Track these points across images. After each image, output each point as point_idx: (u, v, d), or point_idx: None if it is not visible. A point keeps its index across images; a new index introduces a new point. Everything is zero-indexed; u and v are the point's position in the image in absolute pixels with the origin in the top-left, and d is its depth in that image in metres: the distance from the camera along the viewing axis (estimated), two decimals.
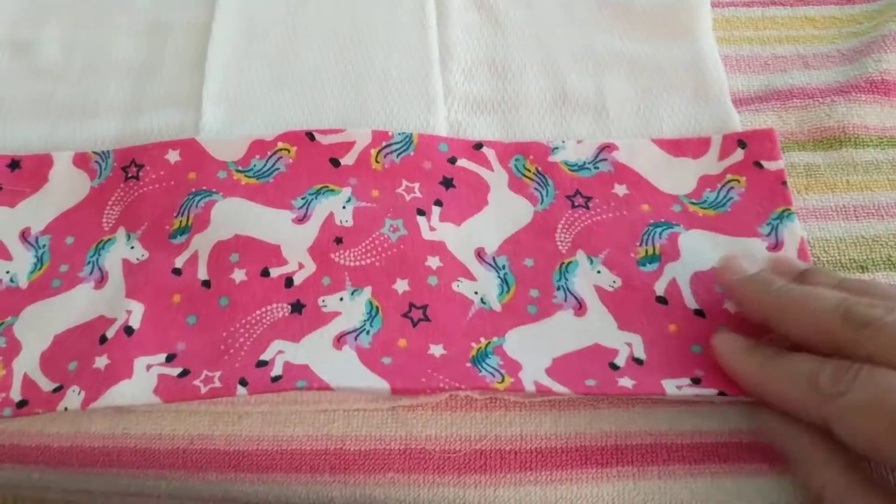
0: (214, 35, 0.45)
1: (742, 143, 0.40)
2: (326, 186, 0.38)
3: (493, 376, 0.33)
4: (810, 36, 0.45)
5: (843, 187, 0.40)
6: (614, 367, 0.34)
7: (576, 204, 0.39)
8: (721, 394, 0.33)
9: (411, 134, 0.40)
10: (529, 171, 0.40)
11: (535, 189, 0.39)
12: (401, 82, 0.43)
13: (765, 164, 0.39)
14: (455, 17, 0.46)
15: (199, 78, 0.44)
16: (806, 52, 0.45)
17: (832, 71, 0.43)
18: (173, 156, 0.39)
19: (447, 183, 0.39)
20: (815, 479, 0.30)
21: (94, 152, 0.40)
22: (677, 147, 0.40)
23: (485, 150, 0.40)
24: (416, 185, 0.39)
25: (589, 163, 0.40)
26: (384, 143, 0.39)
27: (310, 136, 0.39)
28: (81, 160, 0.40)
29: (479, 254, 0.37)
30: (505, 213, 0.39)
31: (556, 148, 0.40)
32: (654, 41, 0.45)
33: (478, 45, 0.45)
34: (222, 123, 0.42)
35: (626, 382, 0.33)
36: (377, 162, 0.39)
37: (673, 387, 0.33)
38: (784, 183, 0.39)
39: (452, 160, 0.39)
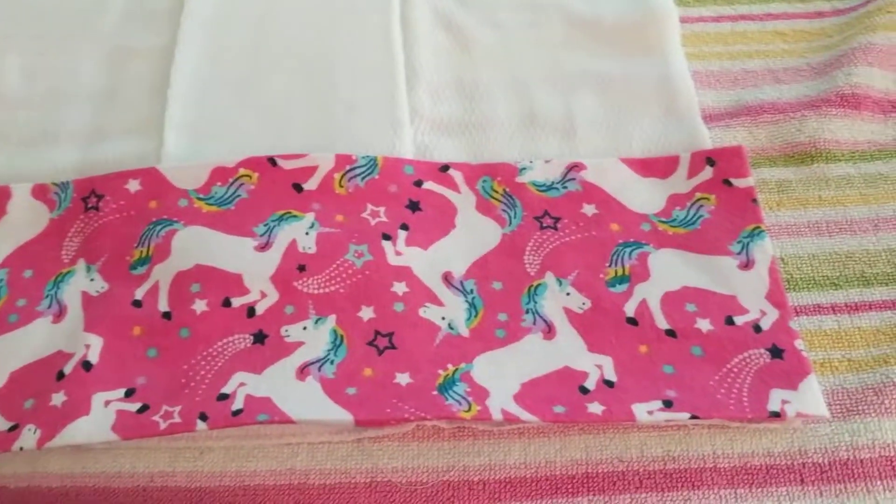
0: (177, 60, 0.44)
1: (711, 161, 0.39)
2: (289, 212, 0.38)
3: (460, 404, 0.33)
4: (780, 50, 0.45)
5: (815, 202, 0.39)
6: (584, 390, 0.33)
7: (544, 225, 0.38)
8: (693, 417, 0.32)
9: (376, 157, 0.39)
10: (497, 192, 0.39)
11: (503, 210, 0.39)
12: (367, 105, 0.43)
13: (734, 181, 0.39)
14: (422, 39, 0.45)
15: (161, 104, 0.43)
16: (776, 66, 0.44)
17: (803, 85, 0.43)
18: (134, 185, 0.38)
19: (413, 206, 0.38)
20: None
21: (54, 183, 0.39)
22: (646, 166, 0.40)
23: (451, 171, 0.40)
24: (382, 210, 0.38)
25: (557, 182, 0.39)
26: (348, 167, 0.39)
27: (272, 161, 0.39)
28: (41, 191, 0.39)
29: (447, 277, 0.37)
30: (473, 235, 0.38)
31: (524, 168, 0.40)
32: (622, 58, 0.45)
33: (445, 67, 0.45)
34: (185, 151, 0.41)
35: (595, 408, 0.33)
36: (341, 186, 0.38)
37: (644, 412, 0.33)
38: (754, 200, 0.38)
39: (419, 183, 0.39)
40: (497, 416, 0.32)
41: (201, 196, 0.38)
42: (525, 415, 0.32)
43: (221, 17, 0.47)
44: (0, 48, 0.46)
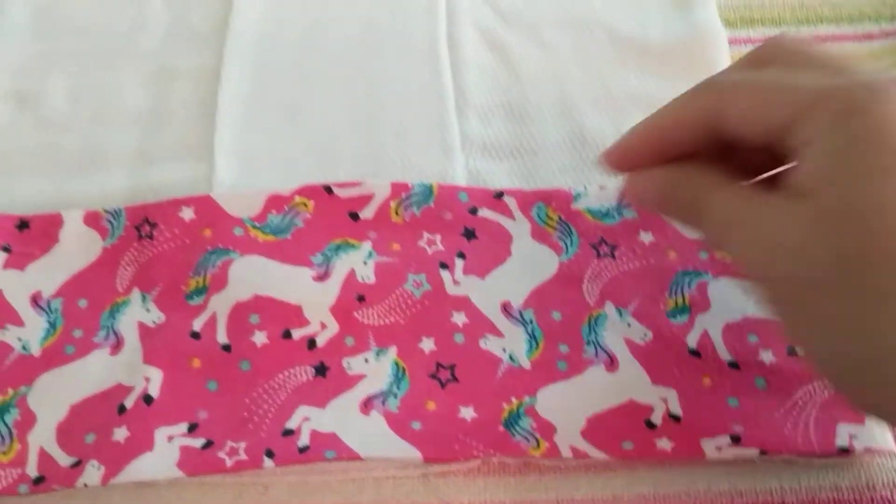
0: (224, 83, 0.44)
1: None
2: (346, 241, 0.37)
3: (528, 441, 0.32)
4: None
5: None
6: (651, 425, 0.33)
7: (601, 253, 0.38)
8: (763, 453, 0.32)
9: (431, 184, 0.39)
10: (552, 219, 0.39)
11: (559, 238, 0.38)
12: (416, 129, 0.42)
13: None
14: (469, 60, 0.45)
15: (209, 127, 0.43)
16: None
17: None
18: (188, 213, 0.38)
19: (469, 234, 0.38)
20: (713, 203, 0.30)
21: (105, 210, 0.39)
22: None
23: (506, 198, 0.39)
24: (438, 238, 0.38)
25: (612, 209, 0.39)
26: (403, 195, 0.38)
27: (327, 189, 0.38)
28: (92, 219, 0.39)
29: (506, 307, 0.36)
30: (529, 263, 0.38)
31: (579, 194, 0.39)
32: (671, 80, 0.44)
33: (493, 89, 0.44)
34: (236, 176, 0.41)
35: (664, 444, 0.33)
36: (397, 215, 0.38)
37: (712, 448, 0.32)
38: None
39: (473, 210, 0.39)
40: (566, 453, 0.32)
41: (257, 224, 0.38)
42: (594, 451, 0.32)
43: (266, 38, 0.46)
44: (44, 70, 0.46)
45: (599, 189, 0.40)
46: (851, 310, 0.26)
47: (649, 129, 0.32)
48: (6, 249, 0.38)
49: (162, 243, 0.38)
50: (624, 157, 0.33)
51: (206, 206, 0.38)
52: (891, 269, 0.25)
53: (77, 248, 0.38)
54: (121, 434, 0.33)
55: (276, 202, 0.38)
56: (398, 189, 0.39)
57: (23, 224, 0.39)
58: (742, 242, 0.29)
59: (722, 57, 0.45)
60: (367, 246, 0.37)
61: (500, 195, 0.39)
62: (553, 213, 0.39)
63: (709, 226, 0.30)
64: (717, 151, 0.31)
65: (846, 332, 0.26)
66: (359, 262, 0.37)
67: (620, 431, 0.33)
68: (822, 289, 0.26)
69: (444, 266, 0.37)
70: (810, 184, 0.27)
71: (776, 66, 0.30)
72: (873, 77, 0.27)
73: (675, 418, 0.33)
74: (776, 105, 0.28)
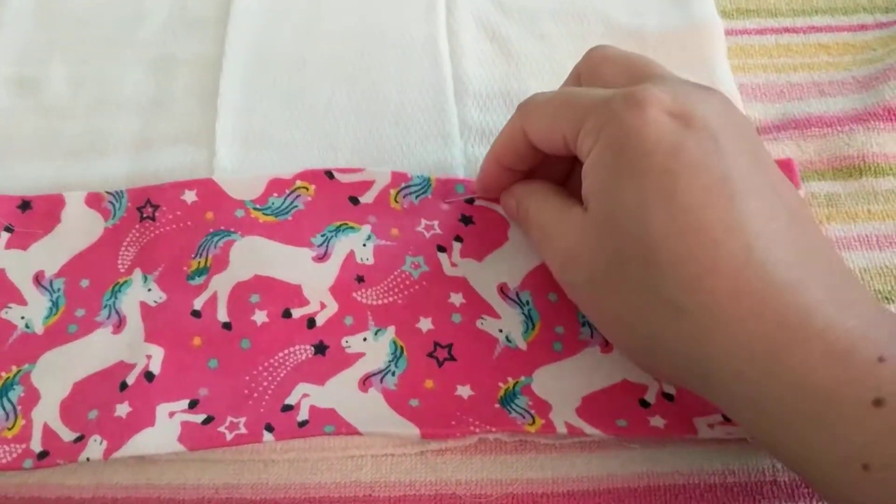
0: (225, 70, 0.44)
1: None
2: (346, 223, 0.38)
3: (524, 418, 0.33)
4: (825, 63, 0.45)
5: (864, 216, 0.39)
6: (645, 404, 0.34)
7: None
8: None
9: (429, 177, 0.39)
10: None
11: None
12: (416, 116, 0.43)
13: None
14: (468, 50, 0.46)
15: (210, 114, 0.43)
16: (821, 79, 0.44)
17: (848, 98, 0.43)
18: (190, 196, 0.38)
19: (466, 220, 0.38)
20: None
21: (108, 192, 0.39)
22: None
23: None
24: (436, 223, 0.38)
25: None
26: (403, 185, 0.39)
27: (329, 174, 0.39)
28: (94, 200, 0.39)
29: (502, 289, 0.37)
30: (526, 247, 0.38)
31: None
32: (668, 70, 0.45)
33: (492, 78, 0.45)
34: (236, 161, 0.41)
35: (657, 422, 0.33)
36: (396, 202, 0.39)
37: (704, 426, 0.33)
38: None
39: (470, 200, 0.39)
40: (561, 429, 0.33)
41: (258, 206, 0.38)
42: (589, 428, 0.33)
43: (266, 26, 0.47)
44: (44, 56, 0.46)
45: None
46: (622, 306, 0.29)
47: (489, 159, 0.37)
48: (8, 230, 0.38)
49: (164, 225, 0.38)
50: (484, 187, 0.38)
51: (209, 190, 0.39)
52: (640, 265, 0.28)
53: (79, 229, 0.39)
54: (123, 410, 0.33)
55: (277, 185, 0.39)
56: (398, 178, 0.39)
57: (25, 205, 0.39)
58: (548, 251, 0.33)
59: (718, 48, 0.45)
60: (366, 229, 0.38)
61: None
62: None
63: (531, 237, 0.35)
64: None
65: (624, 325, 0.30)
66: (358, 244, 0.37)
67: (615, 410, 0.33)
68: (601, 290, 0.30)
69: (441, 249, 0.38)
70: (587, 195, 0.30)
71: (583, 80, 0.34)
72: (634, 89, 0.29)
73: (669, 397, 0.34)
74: (563, 120, 0.31)
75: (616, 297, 0.29)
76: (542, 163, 0.36)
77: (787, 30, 0.47)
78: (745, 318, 0.26)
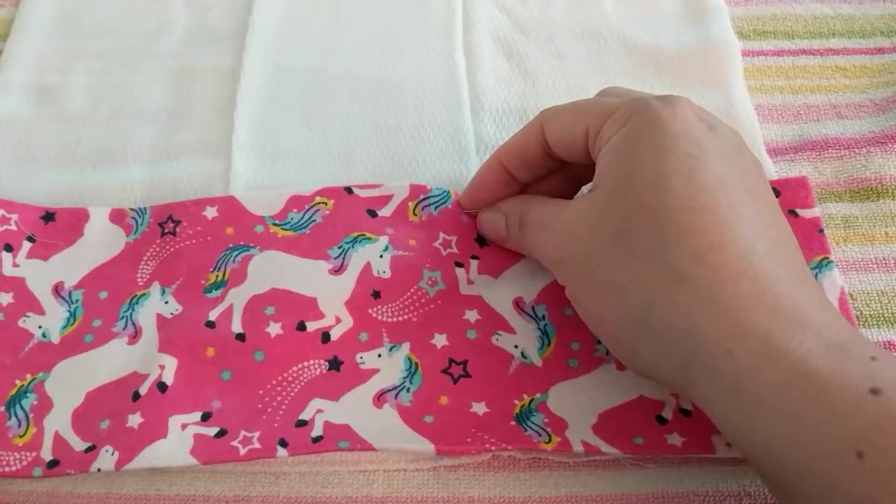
0: (243, 82, 0.45)
1: (776, 192, 0.39)
2: (363, 234, 0.38)
3: (539, 435, 0.33)
4: (842, 85, 0.45)
5: (882, 239, 0.39)
6: (662, 420, 0.34)
7: None
8: None
9: (449, 190, 0.39)
10: None
11: None
12: (432, 131, 0.43)
13: (800, 212, 0.39)
14: (485, 67, 0.46)
15: (227, 125, 0.43)
16: (838, 101, 0.44)
17: (865, 121, 0.43)
18: (211, 212, 0.39)
19: (482, 241, 0.38)
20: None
21: (131, 209, 0.39)
22: None
23: None
24: (454, 240, 0.38)
25: None
26: (422, 196, 0.39)
27: (348, 190, 0.39)
28: (118, 216, 0.39)
29: (518, 303, 0.37)
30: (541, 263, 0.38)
31: None
32: (684, 89, 0.45)
33: (508, 94, 0.45)
34: (252, 172, 0.42)
35: (674, 440, 0.33)
36: (415, 214, 0.39)
37: (722, 445, 0.33)
38: (821, 231, 0.38)
39: None
40: (577, 447, 0.32)
41: (277, 222, 0.38)
42: (605, 446, 0.32)
43: (284, 40, 0.47)
44: (65, 65, 0.46)
45: None
46: (622, 274, 0.30)
47: (492, 157, 0.37)
48: (31, 239, 0.38)
49: (184, 240, 0.38)
50: (475, 185, 0.38)
51: (230, 206, 0.39)
52: (649, 234, 0.29)
53: (101, 242, 0.39)
54: (135, 420, 0.33)
55: (297, 202, 0.39)
56: (416, 190, 0.39)
57: (48, 216, 0.39)
58: (543, 239, 0.34)
59: (735, 68, 0.45)
60: (384, 240, 0.38)
61: None
62: None
63: (527, 230, 0.35)
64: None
65: (617, 296, 0.30)
66: (375, 255, 0.37)
67: (631, 426, 0.33)
68: (599, 262, 0.31)
69: (458, 265, 0.37)
70: (600, 175, 0.32)
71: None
72: (668, 94, 0.32)
73: (686, 413, 0.34)
74: (589, 114, 0.33)
75: (615, 268, 0.30)
76: (532, 184, 0.37)
77: (804, 52, 0.47)
78: (743, 297, 0.27)
